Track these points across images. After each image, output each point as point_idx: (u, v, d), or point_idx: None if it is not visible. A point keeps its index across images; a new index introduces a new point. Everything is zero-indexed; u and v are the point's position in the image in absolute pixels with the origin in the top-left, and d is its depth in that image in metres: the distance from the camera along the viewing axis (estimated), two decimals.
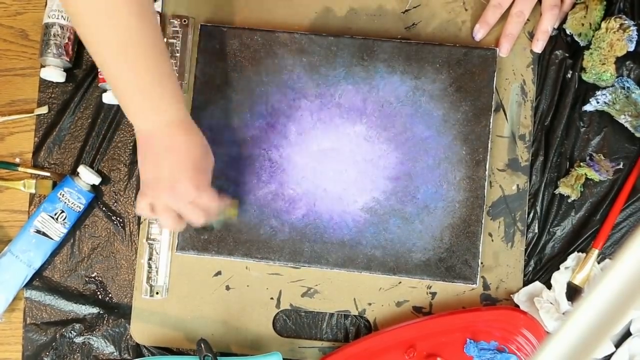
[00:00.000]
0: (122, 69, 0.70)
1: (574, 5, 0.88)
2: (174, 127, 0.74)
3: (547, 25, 0.86)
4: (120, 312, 0.89)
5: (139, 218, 0.89)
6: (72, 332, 0.89)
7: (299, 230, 0.86)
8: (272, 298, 0.87)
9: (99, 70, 0.89)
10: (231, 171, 0.86)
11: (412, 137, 0.86)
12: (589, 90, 0.88)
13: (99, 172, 0.90)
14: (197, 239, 0.86)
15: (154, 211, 0.76)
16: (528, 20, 0.88)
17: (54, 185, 0.90)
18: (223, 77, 0.87)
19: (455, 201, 0.85)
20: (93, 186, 0.89)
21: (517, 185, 0.87)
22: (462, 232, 0.84)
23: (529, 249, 0.87)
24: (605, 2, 0.87)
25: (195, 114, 0.87)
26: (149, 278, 0.88)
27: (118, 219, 0.90)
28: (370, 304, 0.87)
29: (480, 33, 0.87)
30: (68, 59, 0.89)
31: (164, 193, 0.75)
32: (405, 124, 0.86)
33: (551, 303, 0.84)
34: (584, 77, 0.87)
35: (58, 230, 0.88)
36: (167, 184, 0.74)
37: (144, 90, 0.71)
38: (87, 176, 0.88)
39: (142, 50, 0.69)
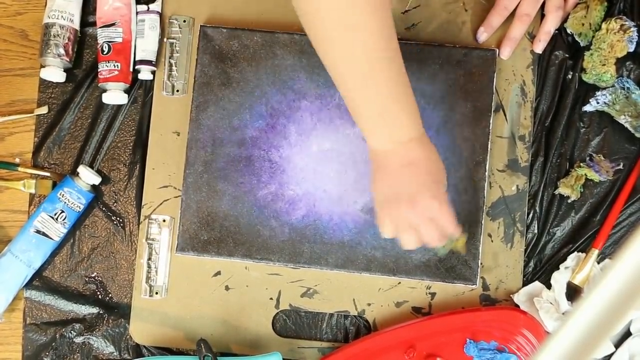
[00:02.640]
0: (363, 89, 0.68)
1: (575, 5, 0.88)
2: (411, 144, 0.71)
3: (550, 27, 0.86)
4: (120, 312, 0.89)
5: (139, 218, 0.89)
6: (72, 332, 0.89)
7: (298, 231, 0.86)
8: (271, 298, 0.87)
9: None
10: (231, 172, 0.86)
11: None
12: (589, 90, 0.88)
13: (99, 172, 0.90)
14: (196, 239, 0.86)
15: (395, 227, 0.74)
16: None
17: (54, 185, 0.90)
18: (223, 78, 0.87)
19: (455, 202, 0.85)
20: (93, 186, 0.89)
21: (517, 186, 0.87)
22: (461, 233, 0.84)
23: (529, 249, 0.87)
24: (606, 3, 0.87)
25: (195, 115, 0.87)
26: (148, 278, 0.88)
27: (118, 219, 0.90)
28: (369, 304, 0.87)
29: (484, 36, 0.87)
30: (68, 59, 0.89)
31: (404, 209, 0.72)
32: None
33: (551, 303, 0.84)
34: (584, 77, 0.87)
35: (58, 230, 0.88)
36: (407, 199, 0.72)
37: (383, 110, 0.69)
38: (87, 176, 0.88)
39: (386, 68, 0.67)
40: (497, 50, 0.87)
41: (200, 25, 0.88)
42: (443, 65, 0.86)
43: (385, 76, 0.67)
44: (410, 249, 0.76)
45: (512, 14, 0.87)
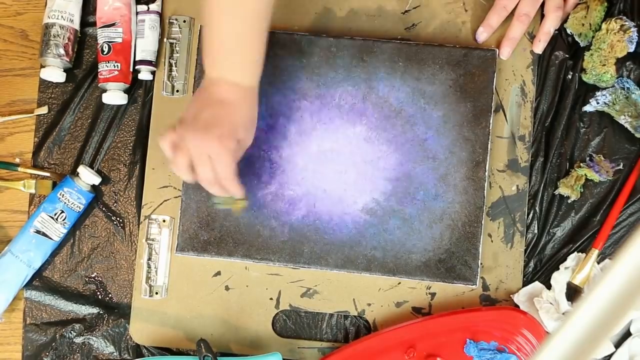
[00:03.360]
0: (218, 22, 0.74)
1: (575, 6, 0.88)
2: (236, 87, 0.75)
3: (550, 27, 0.86)
4: (120, 312, 0.89)
5: (139, 218, 0.89)
6: (72, 332, 0.89)
7: (298, 231, 0.86)
8: (271, 298, 0.87)
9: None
10: None
11: (412, 138, 0.86)
12: (589, 91, 0.88)
13: (99, 172, 0.90)
14: (196, 239, 0.86)
15: (174, 149, 0.76)
16: None
17: (54, 185, 0.90)
18: None
19: (455, 202, 0.85)
20: (93, 186, 0.89)
21: (517, 186, 0.87)
22: (462, 233, 0.85)
23: (529, 249, 0.87)
24: (606, 3, 0.87)
25: None
26: (148, 278, 0.88)
27: (118, 219, 0.90)
28: (369, 305, 0.87)
29: (483, 36, 0.88)
30: (68, 59, 0.89)
31: (192, 134, 0.74)
32: (405, 125, 0.86)
33: (551, 303, 0.84)
34: (584, 78, 0.87)
35: (58, 231, 0.88)
36: (199, 127, 0.73)
37: (226, 42, 0.74)
38: (87, 176, 0.88)
39: (250, 9, 0.73)
40: (497, 51, 0.87)
41: (200, 26, 0.88)
42: (443, 65, 0.86)
43: (242, 15, 0.73)
44: (178, 173, 0.77)
45: (512, 14, 0.87)
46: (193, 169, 0.76)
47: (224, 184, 0.77)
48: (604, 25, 0.86)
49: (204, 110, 0.75)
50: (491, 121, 0.85)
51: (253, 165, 0.86)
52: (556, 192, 0.87)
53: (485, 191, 0.85)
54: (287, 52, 0.87)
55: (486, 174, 0.85)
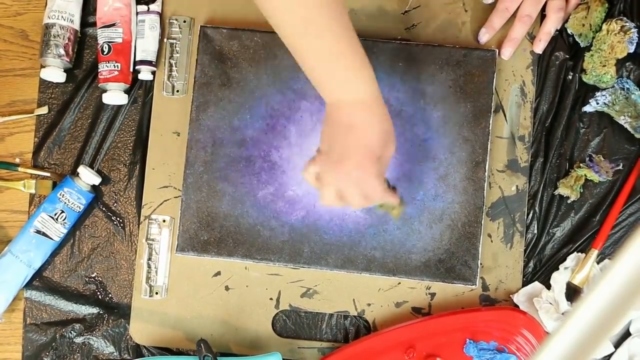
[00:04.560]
0: (308, 44, 0.69)
1: (576, 7, 0.88)
2: (358, 105, 0.71)
3: (550, 28, 0.86)
4: (120, 312, 0.89)
5: (139, 218, 0.89)
6: (72, 332, 0.89)
7: (298, 231, 0.86)
8: (271, 298, 0.87)
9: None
10: (231, 172, 0.86)
11: (412, 138, 0.86)
12: (589, 91, 0.88)
13: (99, 173, 0.90)
14: (196, 240, 0.86)
15: (318, 181, 0.74)
16: None
17: (54, 185, 0.90)
18: (223, 78, 0.88)
19: (455, 202, 0.85)
20: (93, 186, 0.89)
21: (517, 186, 0.87)
22: (461, 233, 0.85)
23: (529, 249, 0.87)
24: (606, 4, 0.87)
25: (195, 115, 0.87)
26: (148, 278, 0.88)
27: (118, 219, 0.90)
28: (369, 305, 0.87)
29: (485, 37, 0.88)
30: (68, 60, 0.89)
31: (331, 166, 0.72)
32: (405, 125, 0.86)
33: (550, 303, 0.84)
34: (584, 78, 0.87)
35: (58, 231, 0.88)
36: (335, 160, 0.71)
37: (327, 62, 0.69)
38: (87, 176, 0.88)
39: (327, 23, 0.68)
40: (497, 51, 0.87)
41: (200, 26, 0.88)
42: (443, 65, 0.86)
43: (327, 26, 0.68)
44: (328, 205, 0.75)
45: (514, 15, 0.87)
46: (343, 198, 0.74)
47: (378, 200, 0.75)
48: (604, 26, 0.86)
49: (335, 140, 0.72)
50: (491, 121, 0.85)
51: (253, 165, 0.86)
52: (556, 193, 0.87)
53: (485, 191, 0.85)
54: (287, 53, 0.87)
55: (486, 174, 0.85)
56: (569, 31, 0.88)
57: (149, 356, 0.87)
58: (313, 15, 0.67)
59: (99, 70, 0.89)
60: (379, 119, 0.72)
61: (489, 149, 0.85)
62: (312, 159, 0.75)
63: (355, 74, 0.70)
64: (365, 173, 0.71)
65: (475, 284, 0.85)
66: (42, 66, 0.89)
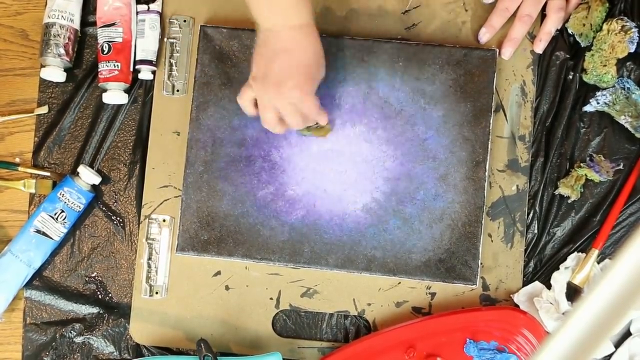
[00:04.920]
0: None
1: (577, 7, 0.88)
2: (294, 30, 0.75)
3: (551, 27, 0.86)
4: (120, 311, 0.89)
5: (139, 218, 0.89)
6: (72, 332, 0.89)
7: (298, 231, 0.86)
8: (271, 298, 0.87)
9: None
10: (231, 172, 0.86)
11: (412, 138, 0.86)
12: (590, 91, 0.88)
13: (99, 172, 0.90)
14: (197, 239, 0.86)
15: (258, 105, 0.78)
16: None
17: (54, 185, 0.90)
18: (223, 78, 0.87)
19: (455, 202, 0.85)
20: (93, 186, 0.89)
21: (517, 186, 0.87)
22: (462, 233, 0.85)
23: (529, 249, 0.87)
24: (607, 4, 0.87)
25: (195, 115, 0.87)
26: (148, 278, 0.88)
27: (118, 218, 0.90)
28: (369, 304, 0.87)
29: (485, 37, 0.88)
30: (68, 59, 0.89)
31: (269, 90, 0.76)
32: (405, 125, 0.86)
33: (551, 303, 0.84)
34: (585, 78, 0.87)
35: (58, 230, 0.88)
36: (274, 82, 0.75)
37: None
38: (87, 176, 0.88)
39: None
40: (497, 50, 0.87)
41: (201, 25, 0.88)
42: (443, 65, 0.86)
43: None
44: (272, 131, 0.81)
45: (514, 15, 0.87)
46: (281, 120, 0.79)
47: (313, 119, 0.80)
48: (605, 26, 0.86)
49: (272, 64, 0.75)
50: (491, 121, 0.85)
51: (253, 165, 0.86)
52: (556, 192, 0.87)
53: (485, 191, 0.85)
54: None
55: (486, 173, 0.85)
56: (570, 31, 0.88)
57: (149, 356, 0.87)
58: None
59: (99, 70, 0.89)
60: (314, 43, 0.77)
61: (489, 149, 0.85)
62: (246, 86, 0.79)
63: (300, 3, 0.75)
64: (303, 92, 0.76)
65: (476, 284, 0.85)
66: (42, 65, 0.89)
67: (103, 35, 0.89)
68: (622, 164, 0.87)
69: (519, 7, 0.87)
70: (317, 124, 0.82)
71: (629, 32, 0.85)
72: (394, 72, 0.86)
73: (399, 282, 0.87)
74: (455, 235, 0.85)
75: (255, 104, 0.80)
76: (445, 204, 0.85)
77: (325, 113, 0.81)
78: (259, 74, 0.77)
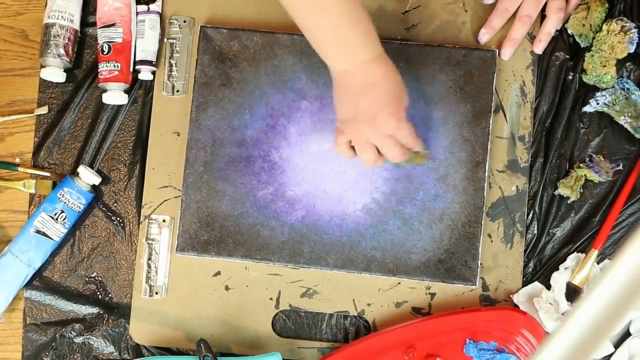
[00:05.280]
0: (317, 15, 0.72)
1: (576, 7, 0.88)
2: (370, 65, 0.74)
3: (551, 28, 0.87)
4: (120, 312, 0.89)
5: (139, 218, 0.89)
6: (72, 332, 0.89)
7: (298, 231, 0.86)
8: (271, 298, 0.87)
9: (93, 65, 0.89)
10: (231, 172, 0.86)
11: None
12: (589, 91, 0.88)
13: (99, 172, 0.90)
14: (196, 239, 0.86)
15: (354, 146, 0.78)
16: None
17: (54, 185, 0.90)
18: (223, 78, 0.88)
19: (455, 202, 0.85)
20: (93, 186, 0.89)
21: (517, 187, 0.87)
22: (461, 233, 0.85)
23: (529, 249, 0.87)
24: (607, 4, 0.87)
25: (195, 115, 0.87)
26: (148, 278, 0.88)
27: (118, 219, 0.90)
28: (369, 305, 0.87)
29: (485, 37, 0.88)
30: (68, 59, 0.89)
31: (364, 127, 0.75)
32: None
33: (550, 303, 0.84)
34: (585, 79, 0.87)
35: (58, 231, 0.88)
36: (366, 118, 0.75)
37: (339, 34, 0.73)
38: (87, 176, 0.88)
39: None
40: (497, 51, 0.87)
41: (201, 26, 0.88)
42: (443, 65, 0.86)
43: (336, 3, 0.72)
44: (370, 165, 0.79)
45: (514, 16, 0.87)
46: (379, 153, 0.78)
47: (411, 147, 0.79)
48: (604, 26, 0.86)
49: (359, 101, 0.75)
50: (491, 122, 0.85)
51: (253, 166, 0.86)
52: (556, 193, 0.87)
53: (485, 191, 0.85)
54: (287, 53, 0.87)
55: (486, 174, 0.85)
56: (569, 31, 0.88)
57: (148, 356, 0.87)
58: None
59: (99, 70, 0.89)
60: (392, 71, 0.76)
61: (489, 149, 0.85)
62: (337, 132, 0.79)
63: (368, 37, 0.74)
64: (398, 120, 0.75)
65: (475, 284, 0.85)
66: (42, 66, 0.89)
67: (103, 36, 0.89)
68: (621, 165, 0.87)
69: (518, 7, 0.87)
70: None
71: (628, 33, 0.85)
72: None
73: (399, 283, 0.87)
74: (455, 236, 0.85)
75: (352, 147, 0.79)
76: (445, 204, 0.85)
77: (420, 140, 0.80)
78: (348, 116, 0.76)
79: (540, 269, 0.87)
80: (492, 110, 0.86)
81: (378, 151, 0.78)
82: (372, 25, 0.74)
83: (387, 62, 0.76)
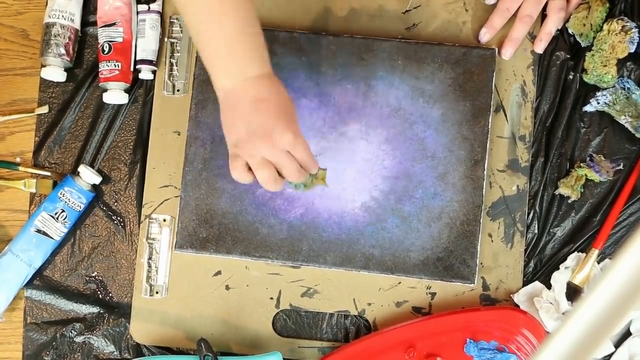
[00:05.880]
0: (209, 27, 0.72)
1: (577, 7, 0.88)
2: (258, 80, 0.73)
3: (551, 28, 0.86)
4: (121, 311, 0.89)
5: (139, 217, 0.89)
6: (72, 331, 0.89)
7: (297, 229, 0.86)
8: (271, 298, 0.87)
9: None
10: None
11: (411, 136, 0.86)
12: (590, 91, 0.88)
13: (100, 172, 0.90)
14: (195, 237, 0.86)
15: (252, 169, 0.74)
16: None
17: (55, 184, 0.90)
18: None
19: (454, 201, 0.85)
20: (93, 186, 0.89)
21: (517, 186, 0.87)
22: (460, 232, 0.85)
23: (529, 249, 0.87)
24: (608, 4, 0.87)
25: (194, 112, 0.87)
26: (148, 277, 0.88)
27: (118, 218, 0.90)
28: (369, 304, 0.87)
29: (486, 37, 0.88)
30: (68, 59, 0.89)
31: (259, 144, 0.72)
32: (404, 124, 0.86)
33: (551, 303, 0.84)
34: (585, 78, 0.87)
35: (58, 230, 0.88)
36: (262, 134, 0.71)
37: (228, 47, 0.72)
38: (88, 176, 0.88)
39: (230, 9, 0.71)
40: (496, 50, 0.87)
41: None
42: (442, 64, 0.86)
43: (230, 16, 0.71)
44: (271, 190, 0.75)
45: (514, 15, 0.87)
46: (280, 176, 0.74)
47: (309, 165, 0.76)
48: (605, 26, 0.86)
49: (251, 118, 0.72)
50: (490, 120, 0.85)
51: None
52: (556, 192, 0.87)
53: (483, 190, 0.85)
54: (286, 51, 0.87)
55: (485, 172, 0.85)
56: (570, 31, 0.88)
57: (149, 355, 0.87)
58: (216, 10, 0.71)
59: (100, 70, 0.89)
60: (282, 88, 0.74)
61: (488, 148, 0.85)
62: (231, 158, 0.75)
63: (257, 53, 0.73)
64: (295, 133, 0.72)
65: (474, 283, 0.85)
66: (43, 65, 0.89)
67: (103, 35, 0.89)
68: (622, 164, 0.87)
69: (519, 7, 0.87)
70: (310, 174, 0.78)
71: (629, 33, 0.85)
72: (393, 70, 0.86)
73: (399, 282, 0.87)
74: (454, 234, 0.85)
75: (250, 170, 0.75)
76: (444, 202, 0.85)
77: (314, 160, 0.77)
78: (241, 136, 0.72)
79: (540, 269, 0.87)
80: (492, 109, 0.86)
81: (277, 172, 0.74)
82: (263, 43, 0.73)
83: (275, 79, 0.74)
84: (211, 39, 0.72)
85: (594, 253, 0.85)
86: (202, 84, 0.87)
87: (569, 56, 0.88)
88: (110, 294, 0.90)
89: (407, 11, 0.90)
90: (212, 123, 0.87)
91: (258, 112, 0.72)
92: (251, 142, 0.72)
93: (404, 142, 0.86)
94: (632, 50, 0.86)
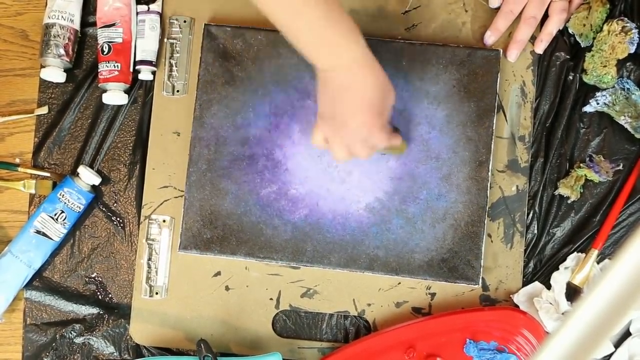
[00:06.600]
0: (293, 18, 0.71)
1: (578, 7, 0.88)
2: (352, 67, 0.73)
3: (553, 28, 0.87)
4: (120, 312, 0.89)
5: (139, 218, 0.89)
6: (72, 332, 0.89)
7: (301, 230, 0.86)
8: (271, 298, 0.87)
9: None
10: (235, 170, 0.86)
11: (416, 137, 0.86)
12: (590, 91, 0.88)
13: (99, 173, 0.90)
14: (199, 238, 0.86)
15: (328, 142, 0.78)
16: None
17: (54, 185, 0.90)
18: (227, 77, 0.87)
19: (458, 202, 0.85)
20: (93, 186, 0.89)
21: (517, 187, 0.87)
22: (464, 233, 0.84)
23: (529, 249, 0.87)
24: (608, 5, 0.87)
25: (198, 113, 0.87)
26: (148, 278, 0.88)
27: (118, 219, 0.90)
28: (369, 305, 0.87)
29: (491, 39, 0.88)
30: (68, 60, 0.89)
31: (337, 130, 0.76)
32: (409, 125, 0.86)
33: (551, 303, 0.84)
34: (585, 79, 0.87)
35: (58, 231, 0.88)
36: (340, 122, 0.75)
37: (319, 36, 0.72)
38: (87, 176, 0.88)
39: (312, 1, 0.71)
40: (501, 51, 0.87)
41: (205, 24, 0.88)
42: (447, 65, 0.86)
43: (314, 5, 0.71)
44: (341, 161, 0.82)
45: (518, 17, 0.87)
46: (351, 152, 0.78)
47: (385, 147, 0.80)
48: (605, 27, 0.86)
49: (334, 104, 0.75)
50: (494, 121, 0.85)
51: (256, 164, 0.86)
52: (556, 193, 0.87)
53: (488, 191, 0.85)
54: (291, 51, 0.87)
55: (489, 173, 0.85)
56: (570, 31, 0.88)
57: (149, 356, 0.87)
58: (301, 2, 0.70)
59: (99, 70, 0.89)
60: (373, 75, 0.74)
61: (492, 149, 0.85)
62: (316, 126, 0.78)
63: (347, 39, 0.73)
64: (370, 129, 0.75)
65: (478, 284, 0.85)
66: (42, 66, 0.89)
67: (103, 36, 0.89)
68: (621, 165, 0.87)
69: (523, 9, 0.87)
70: None
71: (629, 33, 0.85)
72: (398, 71, 0.86)
73: (399, 282, 0.87)
74: (458, 235, 0.85)
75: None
76: (448, 203, 0.85)
77: (398, 136, 0.81)
78: (325, 114, 0.76)
79: (540, 269, 0.87)
80: (496, 110, 0.86)
81: None
82: (353, 25, 0.73)
83: (368, 64, 0.74)
84: (298, 32, 0.73)
85: (594, 253, 0.85)
86: (206, 84, 0.87)
87: (568, 56, 0.88)
88: (110, 295, 0.89)
89: (406, 12, 0.90)
90: (216, 124, 0.87)
91: (340, 101, 0.74)
92: (331, 126, 0.76)
93: (408, 143, 0.85)
94: (632, 51, 0.86)
